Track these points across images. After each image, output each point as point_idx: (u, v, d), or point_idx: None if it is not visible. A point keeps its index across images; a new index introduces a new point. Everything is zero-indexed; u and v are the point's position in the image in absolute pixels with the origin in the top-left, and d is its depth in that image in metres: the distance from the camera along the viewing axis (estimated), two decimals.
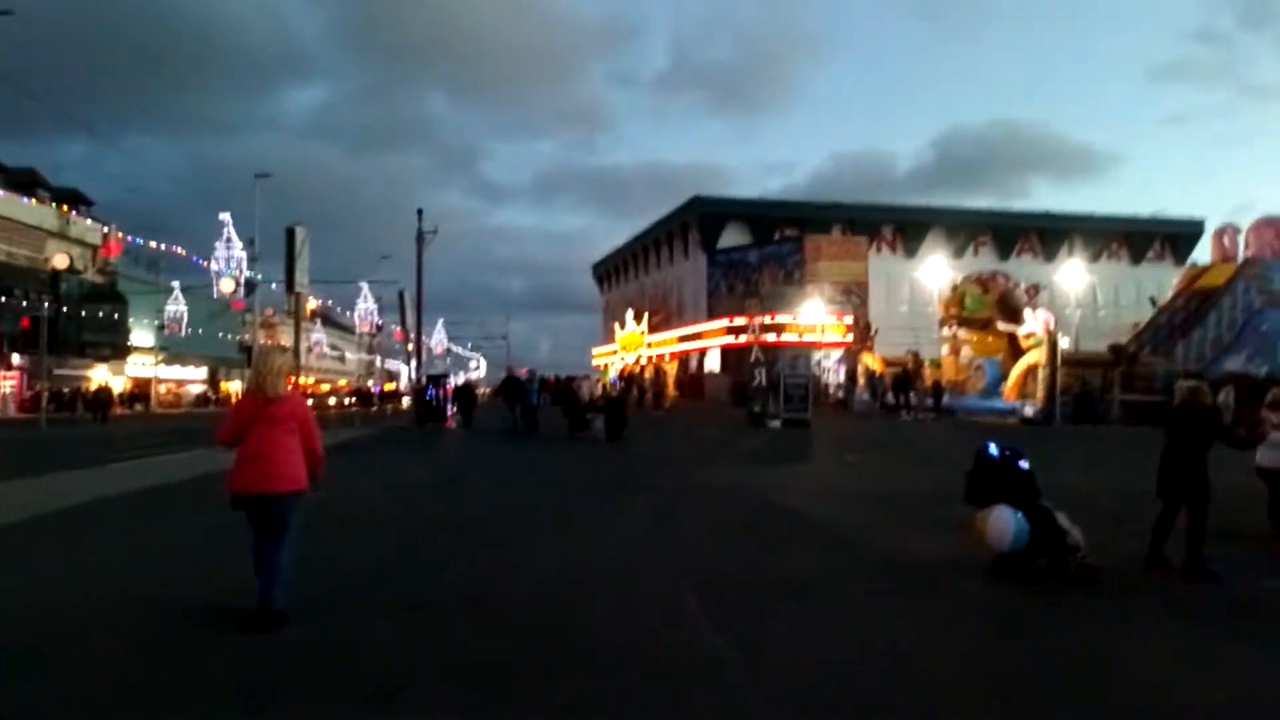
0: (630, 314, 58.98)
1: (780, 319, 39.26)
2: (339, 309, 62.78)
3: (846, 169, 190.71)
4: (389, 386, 68.58)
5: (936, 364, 36.86)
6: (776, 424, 23.92)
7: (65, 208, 50.45)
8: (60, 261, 45.33)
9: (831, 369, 40.40)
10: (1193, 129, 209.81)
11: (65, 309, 48.94)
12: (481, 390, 51.91)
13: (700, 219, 51.74)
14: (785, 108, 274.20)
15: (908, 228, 53.24)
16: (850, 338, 40.38)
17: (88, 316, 51.14)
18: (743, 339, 36.91)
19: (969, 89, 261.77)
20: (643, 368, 52.21)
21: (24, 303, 44.26)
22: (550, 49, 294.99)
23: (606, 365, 61.99)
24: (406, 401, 42.47)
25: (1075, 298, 45.67)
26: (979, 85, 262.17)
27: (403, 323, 33.83)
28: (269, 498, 4.79)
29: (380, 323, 53.79)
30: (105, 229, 53.04)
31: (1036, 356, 28.34)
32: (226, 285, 36.66)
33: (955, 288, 38.79)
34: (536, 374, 26.14)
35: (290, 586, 4.99)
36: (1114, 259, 57.53)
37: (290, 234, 14.25)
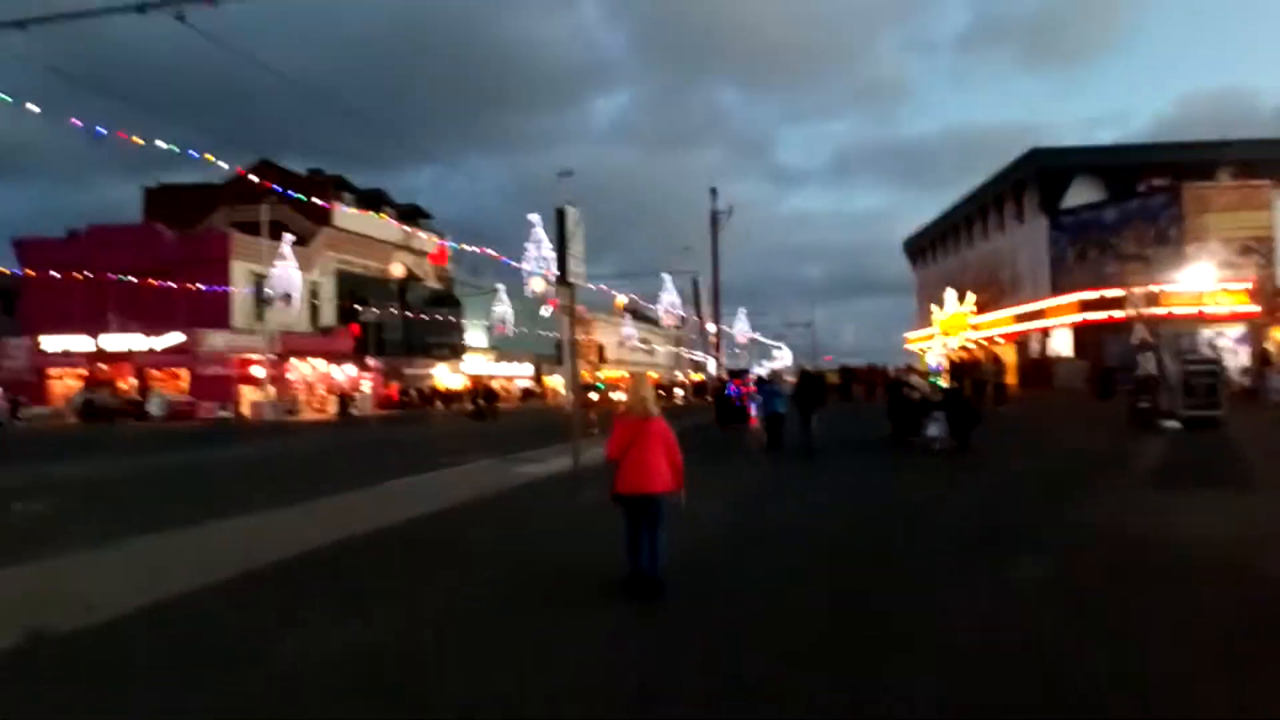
0: (951, 293, 52.45)
1: (1155, 288, 31.81)
2: (647, 303, 63.30)
3: (1198, 111, 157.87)
4: (696, 378, 68.13)
5: None
6: (1174, 424, 18.25)
7: (395, 221, 55.63)
8: (397, 270, 49.86)
9: (1229, 349, 31.95)
10: None
11: (410, 314, 54.14)
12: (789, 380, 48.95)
13: (1039, 176, 44.23)
14: (1110, 52, 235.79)
15: None
16: (1256, 308, 31.71)
17: (429, 320, 56.20)
18: (1108, 315, 30.21)
19: None
20: (974, 354, 45.92)
21: (375, 310, 49.45)
22: (840, 26, 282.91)
23: (923, 351, 55.99)
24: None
25: None
26: None
27: (698, 311, 32.00)
28: (648, 497, 5.93)
29: (684, 315, 52.88)
30: (436, 238, 58.00)
31: None
32: (537, 284, 37.27)
33: None
34: (779, 373, 22.42)
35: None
36: None
37: (560, 215, 12.21)
